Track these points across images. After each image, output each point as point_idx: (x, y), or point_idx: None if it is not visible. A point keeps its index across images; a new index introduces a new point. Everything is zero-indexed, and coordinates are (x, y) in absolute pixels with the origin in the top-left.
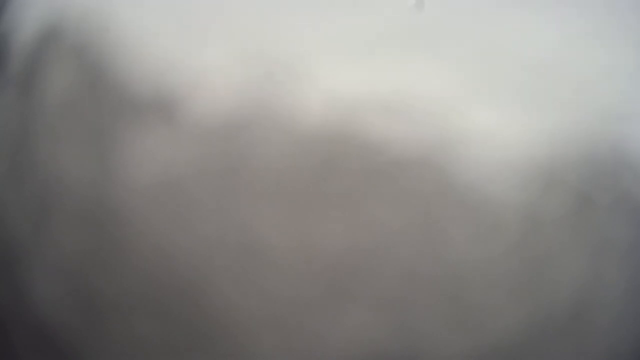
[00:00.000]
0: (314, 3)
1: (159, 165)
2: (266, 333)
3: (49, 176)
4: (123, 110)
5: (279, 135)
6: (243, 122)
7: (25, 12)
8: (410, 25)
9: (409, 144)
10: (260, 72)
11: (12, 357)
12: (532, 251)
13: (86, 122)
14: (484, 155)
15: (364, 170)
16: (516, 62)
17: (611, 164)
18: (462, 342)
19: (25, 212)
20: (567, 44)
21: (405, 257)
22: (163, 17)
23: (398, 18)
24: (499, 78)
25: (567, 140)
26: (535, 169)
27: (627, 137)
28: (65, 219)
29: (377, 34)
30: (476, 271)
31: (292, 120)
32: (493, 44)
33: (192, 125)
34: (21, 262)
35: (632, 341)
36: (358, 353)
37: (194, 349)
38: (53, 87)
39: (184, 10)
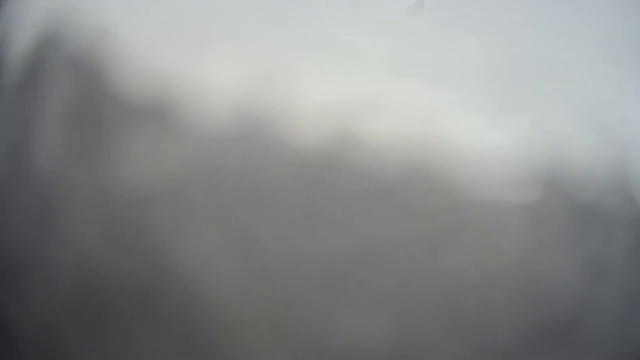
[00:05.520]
0: (313, 13)
1: (158, 172)
2: (265, 338)
3: (49, 183)
4: (122, 117)
5: (277, 144)
6: (241, 130)
7: (22, 17)
8: (406, 32)
9: (405, 152)
10: (259, 82)
11: (16, 358)
12: (530, 259)
13: (86, 129)
14: (481, 164)
15: (361, 178)
16: (514, 70)
17: (611, 173)
18: (458, 349)
19: (26, 218)
20: (569, 51)
21: (403, 263)
22: (162, 25)
23: (395, 25)
24: (496, 86)
25: (567, 150)
26: (533, 179)
27: (629, 147)
28: (65, 226)
29: (372, 49)
30: (473, 278)
31: (290, 130)
32: (490, 48)
33: (190, 132)
34: (23, 265)
35: (628, 352)
36: (356, 355)
37: (194, 354)
38: (52, 93)
39: (183, 18)
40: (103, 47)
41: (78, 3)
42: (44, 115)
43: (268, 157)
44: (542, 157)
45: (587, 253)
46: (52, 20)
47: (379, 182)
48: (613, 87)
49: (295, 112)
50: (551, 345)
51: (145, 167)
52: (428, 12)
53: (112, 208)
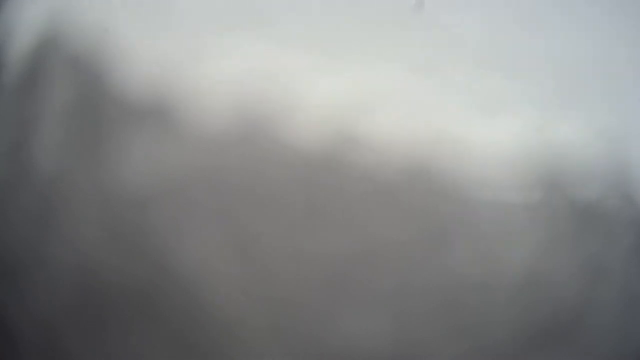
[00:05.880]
0: (313, 13)
1: (158, 172)
2: (265, 338)
3: (49, 183)
4: (122, 117)
5: (277, 144)
6: (241, 130)
7: (22, 17)
8: (406, 32)
9: (406, 152)
10: (259, 82)
11: (16, 358)
12: (531, 259)
13: (86, 129)
14: (481, 165)
15: (361, 178)
16: (514, 70)
17: (611, 174)
18: (458, 349)
19: (26, 218)
20: (569, 52)
21: (403, 263)
22: (162, 25)
23: (395, 25)
24: (495, 87)
25: (567, 150)
26: (533, 179)
27: (629, 148)
28: (65, 225)
29: (372, 48)
30: (474, 278)
31: (290, 129)
32: (490, 48)
33: (190, 132)
34: (23, 265)
35: (628, 352)
36: (356, 356)
37: (194, 354)
38: (52, 94)
39: (183, 19)
40: (103, 47)
41: (78, 3)
42: (44, 115)
43: (268, 157)
44: (543, 158)
45: (587, 253)
46: (52, 21)
47: (379, 182)
48: (614, 87)
49: (295, 112)
50: (551, 345)
51: (146, 167)
52: (428, 12)
53: (112, 208)
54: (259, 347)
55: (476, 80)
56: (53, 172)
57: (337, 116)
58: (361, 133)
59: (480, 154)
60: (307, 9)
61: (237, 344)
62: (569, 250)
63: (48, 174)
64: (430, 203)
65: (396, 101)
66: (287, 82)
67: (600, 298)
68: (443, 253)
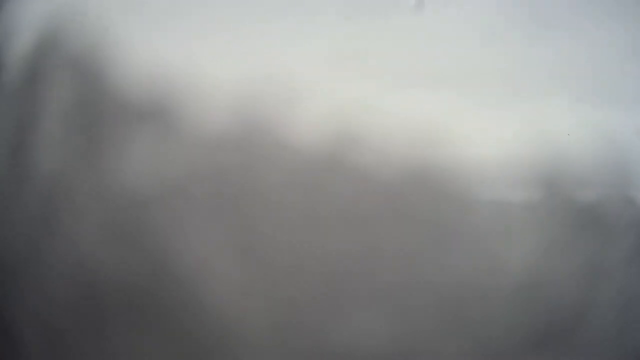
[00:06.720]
0: (313, 14)
1: (158, 172)
2: (266, 338)
3: (50, 183)
4: (122, 117)
5: (278, 145)
6: (241, 130)
7: (22, 18)
8: (406, 33)
9: (406, 153)
10: (259, 82)
11: (16, 358)
12: (531, 259)
13: (86, 129)
14: (481, 165)
15: (362, 178)
16: (514, 70)
17: (611, 175)
18: (458, 349)
19: (27, 218)
20: (569, 52)
21: (404, 263)
22: (162, 25)
23: (396, 26)
24: (496, 88)
25: (568, 151)
26: (534, 180)
27: (630, 149)
28: (65, 226)
29: (372, 49)
30: (474, 278)
31: (290, 130)
32: (490, 49)
33: (190, 133)
34: (23, 265)
35: (628, 352)
36: (356, 355)
37: (195, 354)
38: (52, 94)
39: (183, 19)
40: (103, 47)
41: (78, 3)
42: (44, 115)
43: (268, 157)
44: (543, 158)
45: (587, 253)
46: (52, 21)
47: (379, 183)
48: (615, 88)
49: (295, 112)
50: (551, 345)
51: (146, 167)
52: (428, 13)
53: (112, 208)
54: (259, 347)
55: (476, 81)
56: (53, 172)
57: (337, 116)
58: (361, 134)
59: (480, 154)
60: (307, 10)
61: (237, 343)
62: (568, 250)
63: (49, 174)
64: (430, 203)
65: (396, 103)
66: (287, 83)
67: (600, 298)
68: (443, 253)
